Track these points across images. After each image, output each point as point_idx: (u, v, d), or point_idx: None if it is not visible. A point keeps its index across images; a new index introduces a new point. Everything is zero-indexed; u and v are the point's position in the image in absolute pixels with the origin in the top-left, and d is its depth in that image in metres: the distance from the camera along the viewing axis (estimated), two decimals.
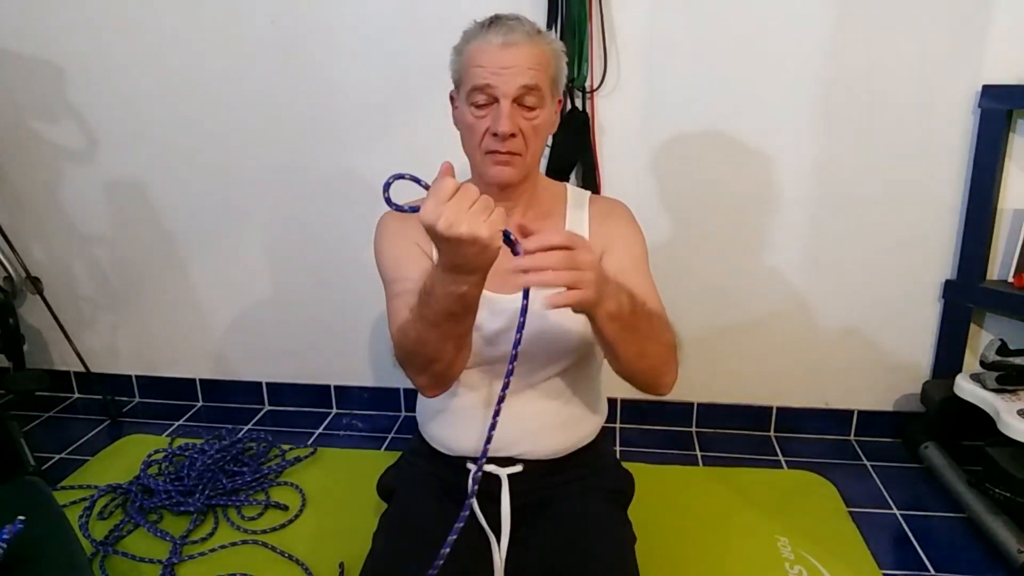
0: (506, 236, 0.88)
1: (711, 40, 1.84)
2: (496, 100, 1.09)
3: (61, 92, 2.10)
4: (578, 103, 1.89)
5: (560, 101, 1.20)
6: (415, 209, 0.86)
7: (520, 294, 1.13)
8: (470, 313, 1.00)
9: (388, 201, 0.87)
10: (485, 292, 1.18)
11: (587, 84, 1.86)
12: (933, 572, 1.55)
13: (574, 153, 1.90)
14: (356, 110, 2.01)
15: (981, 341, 1.96)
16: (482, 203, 0.85)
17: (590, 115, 1.89)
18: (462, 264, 0.89)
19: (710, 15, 1.82)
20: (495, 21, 1.11)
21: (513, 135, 1.10)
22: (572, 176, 1.93)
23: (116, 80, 2.07)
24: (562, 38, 1.82)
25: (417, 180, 0.86)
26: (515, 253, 0.90)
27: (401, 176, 0.87)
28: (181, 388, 2.36)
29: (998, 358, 1.80)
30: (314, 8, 1.93)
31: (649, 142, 1.94)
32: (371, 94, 1.99)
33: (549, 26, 1.83)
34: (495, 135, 1.10)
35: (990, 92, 1.77)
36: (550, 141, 1.89)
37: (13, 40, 2.07)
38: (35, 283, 2.19)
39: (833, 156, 1.89)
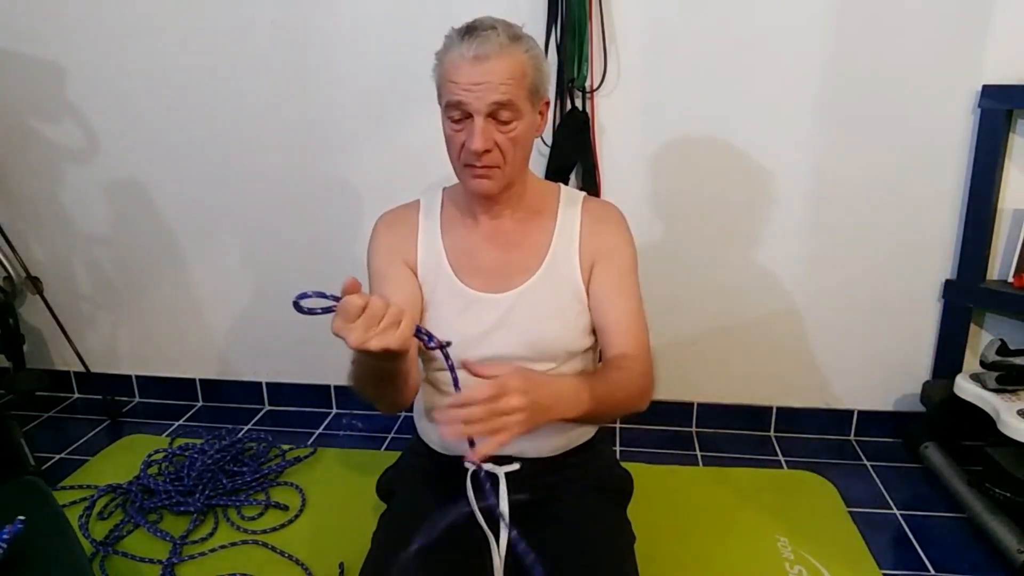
0: (418, 333, 0.93)
1: (711, 40, 1.84)
2: (471, 115, 1.08)
3: (61, 92, 2.10)
4: (578, 103, 1.89)
5: (547, 103, 1.18)
6: (329, 311, 0.88)
7: (507, 293, 1.18)
8: (397, 375, 1.04)
9: (299, 309, 0.88)
10: (471, 291, 1.20)
11: (587, 84, 1.86)
12: (933, 572, 1.55)
13: (574, 153, 1.90)
14: (356, 111, 2.01)
15: (981, 341, 1.96)
16: (390, 317, 0.86)
17: (590, 115, 1.89)
18: (377, 358, 0.92)
19: (710, 15, 1.82)
20: (469, 31, 1.08)
21: (488, 151, 1.09)
22: (572, 176, 1.93)
23: (116, 80, 2.07)
24: (562, 38, 1.82)
25: (323, 295, 0.88)
26: (428, 348, 0.96)
27: (306, 295, 0.88)
28: (181, 388, 2.36)
29: (998, 358, 1.80)
30: (314, 9, 1.93)
31: (649, 142, 1.94)
32: (370, 95, 1.99)
33: (549, 26, 1.83)
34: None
35: (990, 92, 1.77)
36: (550, 140, 1.89)
37: (13, 40, 2.07)
38: (35, 283, 2.20)
39: (833, 156, 1.89)
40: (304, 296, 0.88)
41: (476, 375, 0.94)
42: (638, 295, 1.22)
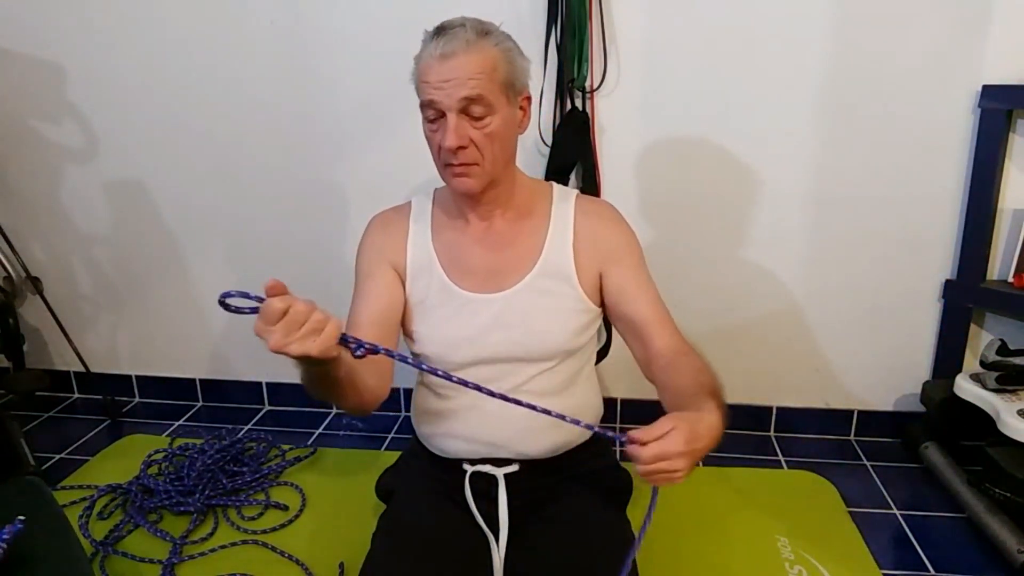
0: (344, 340, 0.90)
1: (711, 40, 1.84)
2: (444, 113, 1.08)
3: (61, 92, 2.10)
4: (578, 103, 1.89)
5: (528, 98, 1.18)
6: (255, 311, 0.86)
7: (499, 294, 1.18)
8: (338, 381, 1.01)
9: (226, 307, 0.87)
10: (464, 292, 1.19)
11: (587, 84, 1.86)
12: (933, 572, 1.55)
13: (574, 153, 1.90)
14: (355, 111, 2.01)
15: (981, 341, 1.96)
16: (312, 324, 0.85)
17: (590, 115, 1.89)
18: (306, 363, 0.92)
19: (710, 15, 1.82)
20: (439, 31, 1.09)
21: (463, 147, 1.09)
22: (572, 176, 1.93)
23: (116, 80, 2.07)
24: (562, 38, 1.82)
25: (247, 295, 0.87)
26: (355, 356, 0.92)
27: (230, 294, 0.87)
28: (181, 388, 2.36)
29: (998, 358, 1.80)
30: (314, 9, 1.93)
31: (649, 142, 1.94)
32: (370, 96, 1.99)
33: (549, 26, 1.83)
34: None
35: (990, 92, 1.77)
36: (550, 140, 1.89)
37: (13, 40, 2.07)
38: (35, 283, 2.20)
39: (833, 156, 1.89)
40: (229, 295, 0.87)
41: (642, 443, 0.91)
42: (655, 285, 1.23)
